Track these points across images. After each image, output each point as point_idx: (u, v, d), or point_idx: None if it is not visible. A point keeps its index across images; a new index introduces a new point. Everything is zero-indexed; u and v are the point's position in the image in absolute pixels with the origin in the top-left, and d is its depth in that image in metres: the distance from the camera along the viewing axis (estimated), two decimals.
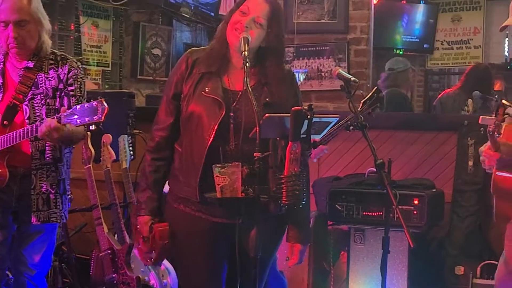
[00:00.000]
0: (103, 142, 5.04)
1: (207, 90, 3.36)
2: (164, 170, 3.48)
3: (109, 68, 9.66)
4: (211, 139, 3.27)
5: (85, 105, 3.52)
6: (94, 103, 3.49)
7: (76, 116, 3.54)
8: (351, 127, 4.13)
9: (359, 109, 3.68)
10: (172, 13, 9.59)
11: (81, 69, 4.11)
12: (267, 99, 3.35)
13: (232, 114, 3.31)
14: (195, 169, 3.31)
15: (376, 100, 4.35)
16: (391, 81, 7.46)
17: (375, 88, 4.43)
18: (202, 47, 3.54)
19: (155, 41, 9.89)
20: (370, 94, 4.37)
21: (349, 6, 7.10)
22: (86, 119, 3.51)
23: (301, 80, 7.15)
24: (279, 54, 3.43)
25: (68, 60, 4.07)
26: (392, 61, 7.74)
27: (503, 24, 4.01)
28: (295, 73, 3.53)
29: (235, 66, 3.43)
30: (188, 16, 9.88)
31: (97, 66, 9.36)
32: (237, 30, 3.33)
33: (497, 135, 3.63)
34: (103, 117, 3.47)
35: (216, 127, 3.29)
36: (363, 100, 4.35)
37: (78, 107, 3.55)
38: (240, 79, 3.35)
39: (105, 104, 3.48)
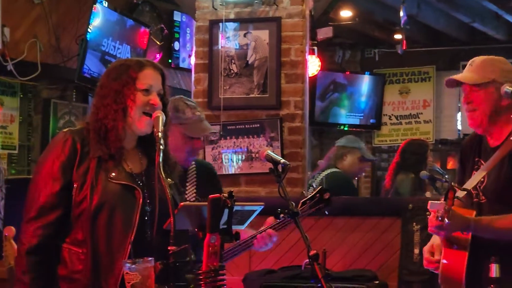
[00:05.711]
0: (5, 235, 4.84)
1: (113, 176, 3.33)
2: (48, 275, 3.31)
3: (16, 151, 9.48)
4: (133, 234, 3.25)
5: None
6: None
7: None
8: (282, 215, 3.99)
9: (297, 209, 3.54)
10: (88, 89, 9.38)
11: None
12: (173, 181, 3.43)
13: (148, 201, 3.32)
14: (112, 269, 3.26)
15: (319, 202, 4.32)
16: (334, 161, 7.25)
17: (319, 188, 4.40)
18: (80, 127, 3.49)
19: (68, 120, 9.72)
20: (312, 193, 4.36)
21: (282, 79, 7.19)
22: None
23: (237, 162, 7.15)
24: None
25: None
26: (343, 138, 7.46)
27: (453, 77, 3.94)
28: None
29: (126, 147, 3.44)
30: None
31: (2, 149, 9.19)
32: (147, 113, 3.36)
33: (447, 221, 3.57)
34: None
35: (137, 219, 3.28)
36: (302, 200, 4.31)
37: None
38: (135, 160, 3.42)
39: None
